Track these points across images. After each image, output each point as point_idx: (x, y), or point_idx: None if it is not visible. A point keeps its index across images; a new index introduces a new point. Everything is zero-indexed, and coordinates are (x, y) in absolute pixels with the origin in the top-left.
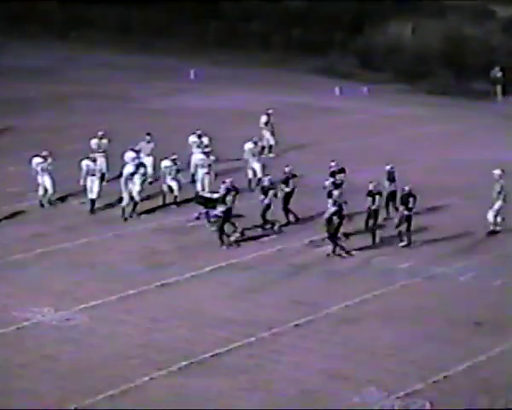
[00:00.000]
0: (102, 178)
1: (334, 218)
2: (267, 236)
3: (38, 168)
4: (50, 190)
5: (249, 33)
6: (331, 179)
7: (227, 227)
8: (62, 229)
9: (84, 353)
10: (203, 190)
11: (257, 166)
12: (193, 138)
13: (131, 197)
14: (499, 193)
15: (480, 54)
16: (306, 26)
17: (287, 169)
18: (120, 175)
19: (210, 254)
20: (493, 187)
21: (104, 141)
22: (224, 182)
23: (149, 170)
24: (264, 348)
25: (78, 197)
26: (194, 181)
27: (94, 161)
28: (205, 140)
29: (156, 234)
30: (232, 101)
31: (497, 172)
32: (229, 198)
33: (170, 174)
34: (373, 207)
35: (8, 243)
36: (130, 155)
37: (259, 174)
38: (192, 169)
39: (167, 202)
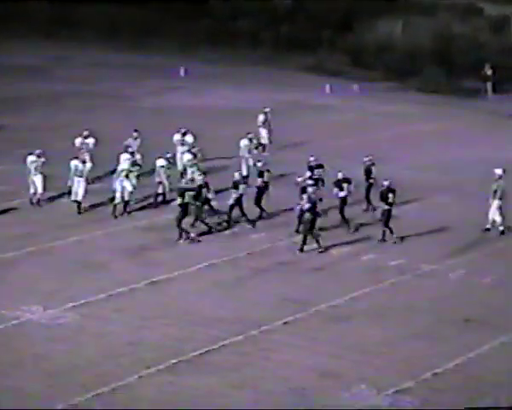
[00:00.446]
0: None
1: (307, 214)
2: (257, 233)
3: (32, 167)
4: (40, 190)
5: (238, 31)
6: (307, 174)
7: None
8: (52, 227)
9: (74, 351)
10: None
11: (251, 162)
12: (177, 137)
13: (123, 196)
14: (495, 192)
15: (469, 52)
16: (295, 23)
17: (259, 164)
18: (113, 172)
19: (200, 252)
20: (492, 186)
21: (89, 140)
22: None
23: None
24: (253, 346)
25: (69, 196)
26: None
27: (83, 162)
28: (188, 139)
29: (146, 232)
30: (221, 99)
31: (498, 171)
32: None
33: (165, 173)
34: (341, 195)
35: None
36: (124, 156)
37: (252, 170)
38: (180, 167)
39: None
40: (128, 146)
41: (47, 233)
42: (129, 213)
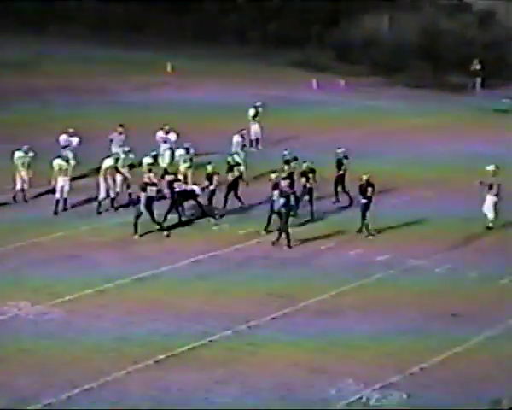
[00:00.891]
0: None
1: (282, 210)
2: (244, 229)
3: (19, 163)
4: (26, 186)
5: (226, 27)
6: (286, 167)
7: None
8: (38, 223)
9: (61, 347)
10: (186, 183)
11: (243, 158)
12: (160, 134)
13: (107, 192)
14: (490, 188)
15: (455, 47)
16: (283, 19)
17: (229, 159)
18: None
19: (187, 248)
20: (486, 183)
21: (74, 138)
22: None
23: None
24: (240, 341)
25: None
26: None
27: (67, 161)
28: (172, 136)
29: (132, 228)
30: (208, 94)
31: (491, 167)
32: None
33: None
34: (307, 185)
35: None
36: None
37: (242, 167)
38: (162, 164)
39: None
40: (112, 140)
41: (33, 229)
42: (116, 208)
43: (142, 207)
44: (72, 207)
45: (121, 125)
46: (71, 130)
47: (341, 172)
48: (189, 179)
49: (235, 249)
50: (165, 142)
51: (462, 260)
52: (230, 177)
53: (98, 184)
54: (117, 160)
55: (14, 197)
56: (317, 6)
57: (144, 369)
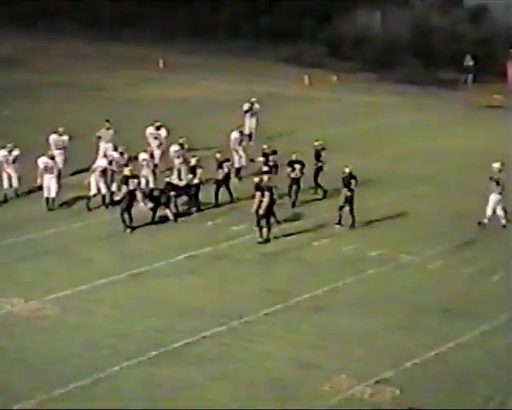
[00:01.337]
0: (59, 175)
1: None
2: (236, 225)
3: (3, 160)
4: (15, 184)
5: (218, 22)
6: (263, 160)
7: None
8: (31, 220)
9: (55, 343)
10: (180, 179)
11: (242, 154)
12: (150, 130)
13: (99, 189)
14: (497, 185)
15: (447, 43)
16: (275, 14)
17: (218, 155)
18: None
19: (180, 244)
20: (492, 179)
21: (64, 137)
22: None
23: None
24: (234, 338)
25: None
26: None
27: (52, 158)
28: (162, 132)
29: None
30: (201, 90)
31: (496, 165)
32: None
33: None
34: (292, 176)
35: None
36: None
37: (244, 163)
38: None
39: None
40: (99, 136)
41: (25, 226)
42: (107, 206)
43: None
44: (63, 204)
45: (108, 121)
46: (61, 129)
47: (320, 164)
48: (183, 174)
49: (229, 245)
50: (155, 138)
51: (454, 256)
52: (220, 174)
53: (89, 181)
54: (110, 162)
55: (4, 197)
56: (310, 2)
57: (137, 365)
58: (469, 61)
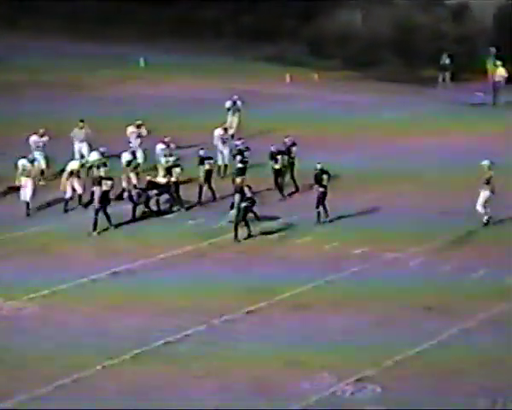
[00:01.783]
0: (42, 174)
1: (241, 204)
2: (219, 224)
3: None
4: None
5: (200, 21)
6: (238, 158)
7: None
8: (13, 218)
9: (36, 342)
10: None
11: (225, 152)
12: (131, 129)
13: (74, 189)
14: (487, 183)
15: (429, 41)
16: (257, 13)
17: (201, 152)
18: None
19: (162, 243)
20: (481, 178)
21: (44, 139)
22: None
23: (86, 156)
24: (216, 336)
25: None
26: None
27: (32, 162)
28: (143, 131)
29: (106, 223)
30: (182, 89)
31: (485, 163)
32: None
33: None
34: (276, 167)
35: None
36: (94, 154)
37: (226, 161)
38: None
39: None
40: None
41: (6, 225)
42: (85, 206)
43: (96, 202)
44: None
45: (82, 121)
46: (41, 130)
47: (291, 160)
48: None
49: (210, 244)
50: (138, 136)
51: (435, 254)
52: (202, 172)
53: (64, 185)
54: (82, 165)
55: None
56: (291, 1)
57: (120, 364)
58: (445, 60)
